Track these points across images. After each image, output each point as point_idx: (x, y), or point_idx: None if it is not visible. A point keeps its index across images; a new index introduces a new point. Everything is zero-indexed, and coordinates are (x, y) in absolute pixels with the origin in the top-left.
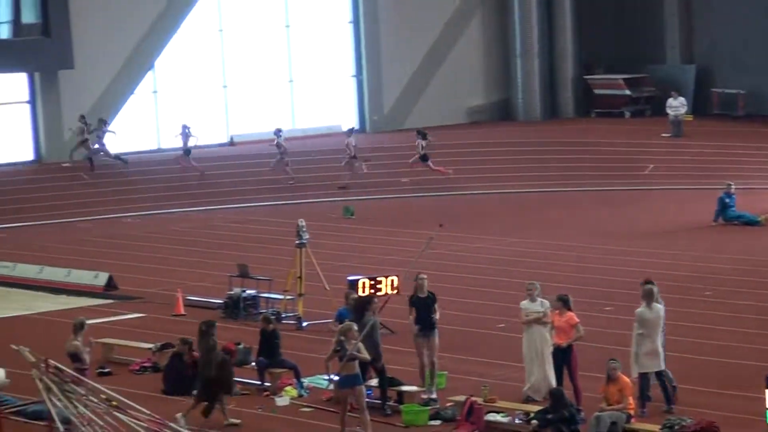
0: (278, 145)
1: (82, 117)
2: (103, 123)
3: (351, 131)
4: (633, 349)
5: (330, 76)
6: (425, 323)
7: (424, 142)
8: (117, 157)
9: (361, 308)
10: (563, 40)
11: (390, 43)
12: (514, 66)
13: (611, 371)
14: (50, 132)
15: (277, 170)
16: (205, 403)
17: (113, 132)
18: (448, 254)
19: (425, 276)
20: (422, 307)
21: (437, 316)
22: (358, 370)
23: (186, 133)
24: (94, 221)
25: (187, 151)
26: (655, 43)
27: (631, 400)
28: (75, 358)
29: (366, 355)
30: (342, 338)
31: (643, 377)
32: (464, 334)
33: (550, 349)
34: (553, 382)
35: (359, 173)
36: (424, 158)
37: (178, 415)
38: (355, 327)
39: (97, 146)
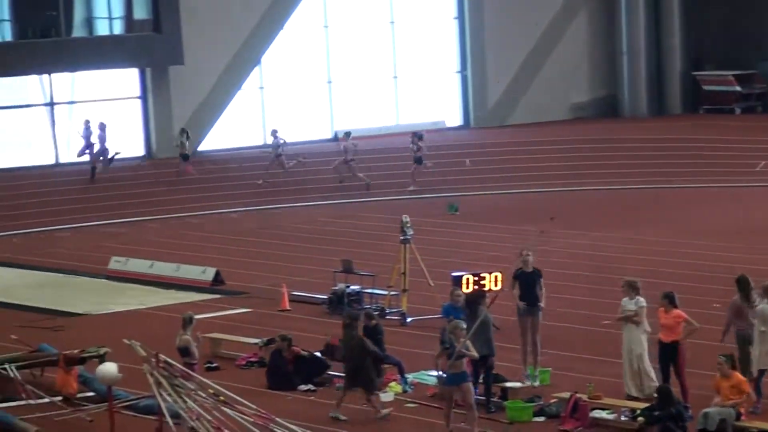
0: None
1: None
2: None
3: (347, 135)
4: (755, 346)
5: (434, 72)
6: (530, 299)
7: (419, 145)
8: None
9: (473, 303)
10: (671, 36)
11: (494, 38)
12: (619, 62)
13: (719, 366)
14: (160, 127)
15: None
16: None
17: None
18: (552, 250)
19: (530, 252)
20: (527, 282)
21: (543, 293)
22: (465, 368)
23: (185, 139)
24: (202, 216)
25: (184, 156)
26: (766, 40)
27: (751, 395)
28: (185, 352)
29: (474, 353)
30: (451, 336)
31: (761, 374)
32: (569, 330)
33: (641, 348)
34: (645, 381)
35: (344, 175)
36: (418, 161)
37: (331, 413)
38: (463, 325)
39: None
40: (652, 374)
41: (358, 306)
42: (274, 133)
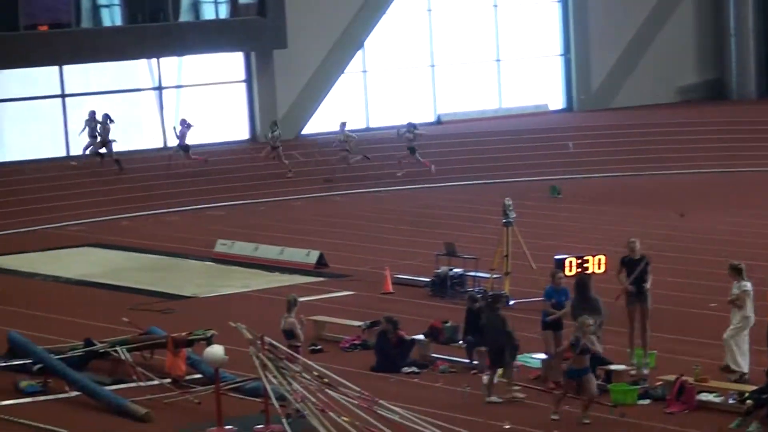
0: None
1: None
2: (108, 119)
3: (342, 125)
4: None
5: (537, 55)
6: (637, 285)
7: (411, 135)
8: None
9: (582, 287)
10: None
11: (598, 21)
12: (727, 44)
13: None
14: (265, 111)
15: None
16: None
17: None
18: (661, 234)
19: (636, 239)
20: (634, 269)
21: (650, 280)
22: (588, 363)
23: (184, 129)
24: (304, 200)
25: (185, 147)
26: None
27: None
28: (290, 335)
29: (599, 347)
30: (578, 333)
31: None
32: (676, 313)
33: (735, 329)
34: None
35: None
36: (412, 150)
37: (488, 398)
38: (590, 321)
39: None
40: (739, 359)
41: (460, 289)
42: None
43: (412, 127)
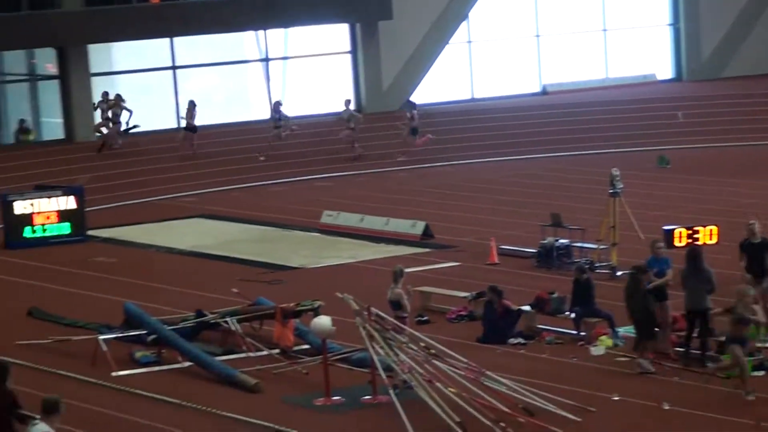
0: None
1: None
2: (120, 100)
3: (347, 103)
4: None
5: (644, 25)
6: (758, 270)
7: (414, 113)
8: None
9: (693, 258)
10: None
11: None
12: None
13: None
14: (370, 82)
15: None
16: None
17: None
18: None
19: (755, 221)
20: (754, 252)
21: None
22: (745, 332)
23: (193, 110)
24: (409, 171)
25: (193, 128)
26: None
27: None
28: (396, 305)
29: (762, 317)
30: (738, 302)
31: None
32: None
33: None
34: None
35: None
36: (413, 131)
37: (640, 370)
38: (752, 291)
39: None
40: None
41: (566, 260)
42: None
43: (411, 106)
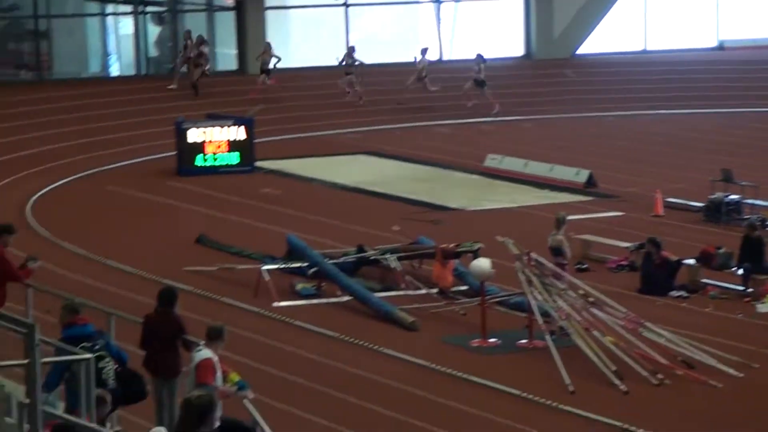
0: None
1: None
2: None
3: (423, 52)
4: None
5: None
6: None
7: (482, 65)
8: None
9: None
10: None
11: None
12: None
13: None
14: (541, 29)
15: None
16: None
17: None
18: None
19: None
20: None
21: None
22: None
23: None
24: (576, 118)
25: (268, 71)
26: None
27: None
28: (556, 252)
29: None
30: None
31: None
32: None
33: None
34: None
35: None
36: (480, 83)
37: None
38: None
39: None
40: None
41: (736, 216)
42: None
43: (481, 60)
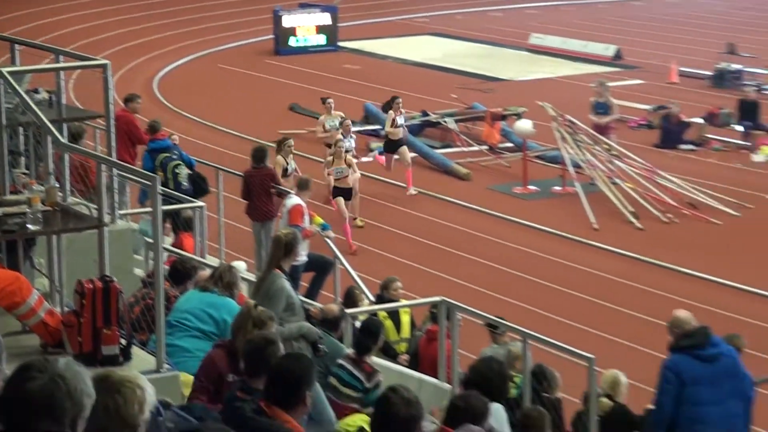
0: None
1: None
2: None
3: None
4: None
5: None
6: None
7: None
8: None
9: None
10: None
11: None
12: None
13: None
14: None
15: None
16: None
17: None
18: None
19: None
20: None
21: None
22: None
23: None
24: (609, 3)
25: None
26: None
27: None
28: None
29: None
30: None
31: None
32: None
33: None
34: None
35: None
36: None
37: None
38: None
39: None
40: None
41: (737, 82)
42: None
43: None
